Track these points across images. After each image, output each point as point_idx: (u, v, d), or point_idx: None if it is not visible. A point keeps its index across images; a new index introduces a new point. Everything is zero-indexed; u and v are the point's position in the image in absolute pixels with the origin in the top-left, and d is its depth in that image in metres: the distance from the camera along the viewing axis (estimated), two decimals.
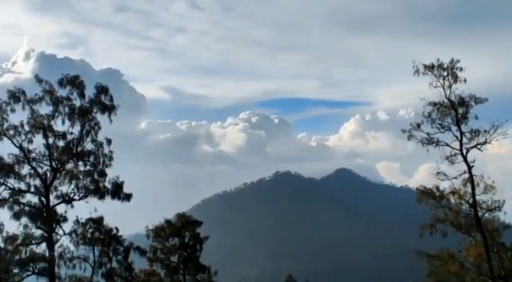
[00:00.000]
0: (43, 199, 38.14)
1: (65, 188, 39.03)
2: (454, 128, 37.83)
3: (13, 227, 37.48)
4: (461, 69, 37.37)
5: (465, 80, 37.20)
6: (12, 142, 37.30)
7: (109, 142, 39.43)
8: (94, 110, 38.44)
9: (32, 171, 37.88)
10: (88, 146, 38.96)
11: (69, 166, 39.18)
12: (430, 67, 37.73)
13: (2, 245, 37.01)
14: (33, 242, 37.93)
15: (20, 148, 37.41)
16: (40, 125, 37.62)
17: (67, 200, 39.05)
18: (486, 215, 39.75)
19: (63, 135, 38.42)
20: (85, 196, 39.26)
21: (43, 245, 37.96)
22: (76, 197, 39.22)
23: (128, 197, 40.25)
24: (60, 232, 39.06)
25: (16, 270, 37.75)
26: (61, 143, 38.57)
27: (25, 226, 37.78)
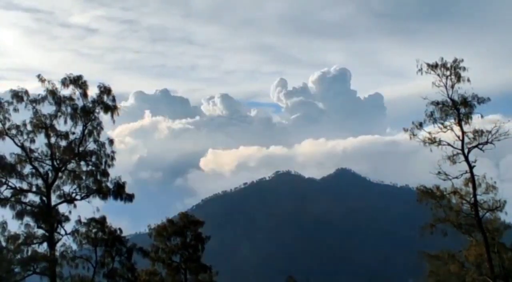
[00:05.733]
0: (44, 198, 38.23)
1: (67, 187, 39.18)
2: (456, 127, 37.94)
3: (15, 226, 37.62)
4: (464, 69, 37.54)
5: (468, 80, 37.33)
6: (14, 141, 37.39)
7: (111, 142, 39.55)
8: (97, 110, 38.56)
9: (33, 171, 38.00)
10: (90, 145, 39.10)
11: (71, 165, 39.28)
12: (433, 67, 37.87)
13: (4, 244, 37.09)
14: (35, 241, 37.97)
15: (22, 147, 37.50)
16: (42, 125, 37.70)
17: (69, 199, 39.15)
18: (487, 215, 39.75)
19: (65, 135, 38.52)
20: (87, 196, 39.36)
21: (45, 245, 38.04)
22: (78, 197, 39.34)
23: (130, 197, 40.33)
24: (62, 231, 39.20)
25: (17, 270, 37.81)
26: (63, 143, 38.67)
27: (27, 225, 37.88)
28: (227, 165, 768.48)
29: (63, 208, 39.22)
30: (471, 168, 37.89)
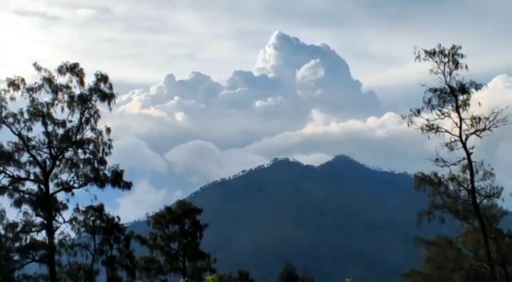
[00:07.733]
0: (42, 186, 38.23)
1: (65, 176, 39.19)
2: (453, 114, 37.74)
3: (13, 214, 37.69)
4: (462, 56, 37.28)
5: (466, 67, 37.07)
6: (11, 130, 37.33)
7: (108, 130, 39.43)
8: (94, 98, 38.39)
9: (31, 159, 37.97)
10: (88, 133, 39.03)
11: (69, 154, 39.24)
12: (431, 53, 37.53)
13: (3, 232, 37.18)
14: (33, 229, 38.13)
15: (19, 135, 37.42)
16: (39, 113, 37.57)
17: (67, 187, 39.17)
18: (484, 201, 39.75)
19: (62, 123, 38.42)
20: (85, 184, 39.37)
21: (43, 233, 38.14)
22: (76, 185, 39.35)
23: (128, 185, 40.38)
24: (60, 219, 39.28)
25: (16, 257, 37.97)
26: (60, 131, 38.64)
27: (25, 213, 37.97)
28: None
29: (61, 196, 39.32)
30: (468, 154, 37.76)
